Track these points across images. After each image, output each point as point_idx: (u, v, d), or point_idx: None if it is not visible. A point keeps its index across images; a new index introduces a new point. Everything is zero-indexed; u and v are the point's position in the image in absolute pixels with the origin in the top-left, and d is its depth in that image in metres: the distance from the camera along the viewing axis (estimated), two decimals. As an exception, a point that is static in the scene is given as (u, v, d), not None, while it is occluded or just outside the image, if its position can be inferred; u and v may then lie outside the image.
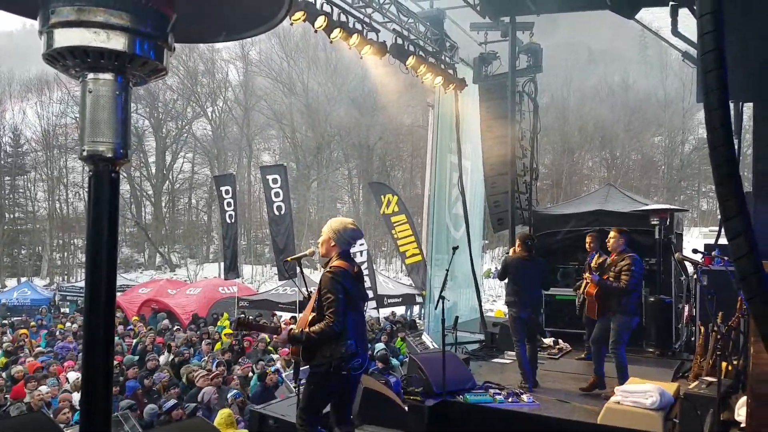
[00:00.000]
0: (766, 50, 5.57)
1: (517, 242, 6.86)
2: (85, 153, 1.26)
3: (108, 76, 1.27)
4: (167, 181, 41.09)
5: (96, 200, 1.27)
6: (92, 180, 1.28)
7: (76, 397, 7.52)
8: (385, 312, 17.48)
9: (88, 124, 1.26)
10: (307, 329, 3.62)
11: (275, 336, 4.10)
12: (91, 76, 1.26)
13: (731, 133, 1.27)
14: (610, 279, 6.05)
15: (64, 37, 1.21)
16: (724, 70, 1.26)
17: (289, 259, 4.45)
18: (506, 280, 6.76)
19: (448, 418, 1.79)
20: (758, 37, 5.37)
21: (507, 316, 7.12)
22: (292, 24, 7.08)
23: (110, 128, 1.26)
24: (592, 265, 6.65)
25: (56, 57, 1.25)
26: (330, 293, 3.58)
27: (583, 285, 6.40)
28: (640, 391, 4.47)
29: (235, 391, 7.99)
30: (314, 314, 3.68)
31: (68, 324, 16.19)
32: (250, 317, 4.56)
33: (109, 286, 1.25)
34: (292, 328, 3.73)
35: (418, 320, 16.77)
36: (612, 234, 6.25)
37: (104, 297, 1.24)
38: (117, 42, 1.23)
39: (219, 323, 15.46)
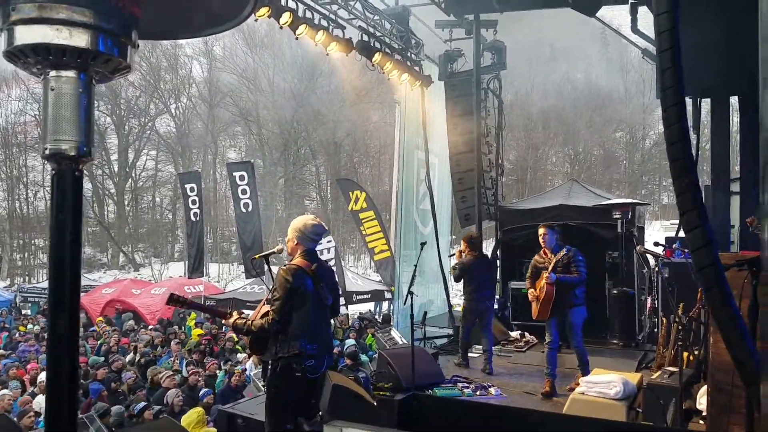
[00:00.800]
0: (724, 47, 5.76)
1: (464, 244, 7.38)
2: (47, 151, 1.24)
3: (71, 73, 1.25)
4: (130, 179, 40.16)
5: (59, 199, 1.24)
6: (55, 178, 1.26)
7: (39, 400, 7.32)
8: (354, 309, 17.48)
9: (51, 122, 1.24)
10: (251, 320, 3.68)
11: (224, 320, 4.11)
12: (53, 73, 1.24)
13: (687, 128, 1.32)
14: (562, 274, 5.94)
15: (26, 35, 1.19)
16: (679, 67, 1.30)
17: (256, 256, 4.41)
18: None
19: (417, 411, 1.82)
20: (717, 34, 5.54)
21: (463, 304, 7.46)
22: (257, 20, 7.01)
23: (73, 126, 1.24)
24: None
25: (17, 54, 1.22)
26: (276, 291, 3.63)
27: (541, 285, 6.01)
28: (604, 382, 4.60)
29: (205, 389, 7.91)
30: (267, 309, 3.72)
31: (30, 326, 15.73)
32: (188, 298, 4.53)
33: (73, 285, 1.23)
34: (237, 319, 3.76)
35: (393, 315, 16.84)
36: (542, 231, 6.16)
37: (69, 296, 1.22)
38: (80, 39, 1.21)
39: (190, 322, 15.23)
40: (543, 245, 6.17)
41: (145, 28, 1.38)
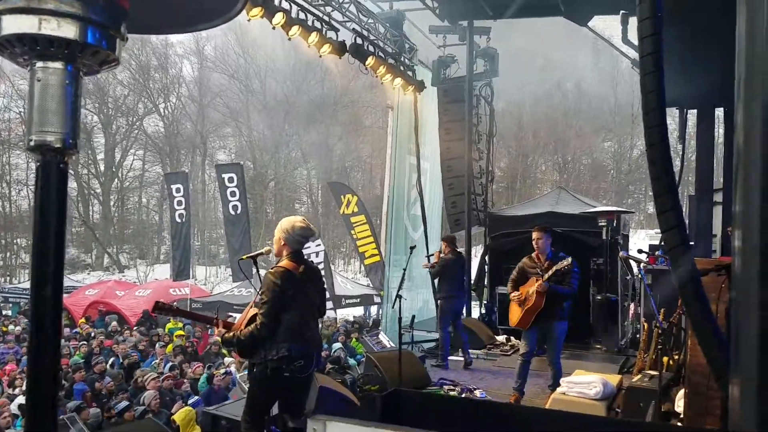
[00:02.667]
0: (710, 59, 5.83)
1: (444, 244, 7.66)
2: (32, 143, 1.23)
3: (58, 64, 1.24)
4: (116, 179, 39.81)
5: (43, 192, 1.23)
6: (39, 171, 1.25)
7: (19, 401, 7.24)
8: (343, 313, 17.44)
9: (36, 113, 1.23)
10: (239, 331, 3.64)
11: (215, 329, 4.07)
12: (40, 64, 1.23)
13: (667, 131, 1.35)
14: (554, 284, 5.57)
15: (13, 24, 1.18)
16: (661, 72, 1.33)
17: (244, 257, 4.40)
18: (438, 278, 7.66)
19: (400, 407, 1.83)
20: (704, 46, 5.61)
21: (440, 306, 7.72)
22: (249, 20, 7.01)
23: (59, 118, 1.23)
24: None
25: (4, 44, 1.21)
26: (264, 294, 3.59)
27: (529, 292, 5.65)
28: (585, 382, 4.65)
29: (196, 398, 7.87)
30: (255, 312, 3.68)
31: (11, 327, 15.53)
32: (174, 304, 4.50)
33: (56, 281, 1.21)
34: (225, 332, 3.73)
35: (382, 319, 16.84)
36: (536, 235, 5.81)
37: (52, 292, 1.21)
38: (68, 30, 1.20)
39: (171, 325, 15.11)
40: (537, 249, 5.82)
41: (135, 22, 1.38)
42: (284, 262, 3.72)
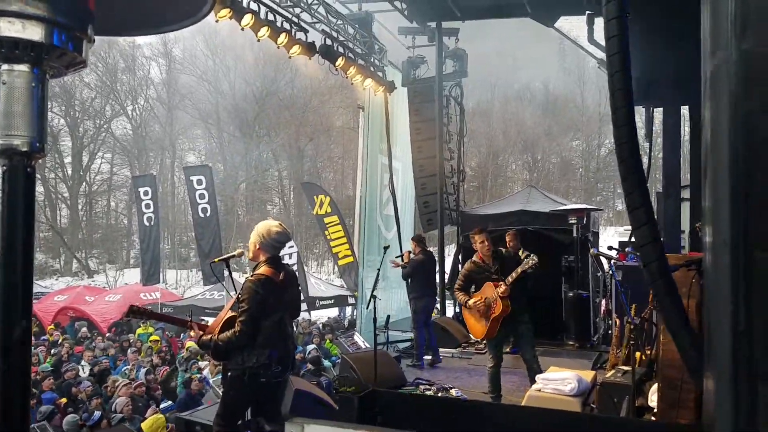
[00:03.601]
0: (676, 57, 5.98)
1: (414, 244, 7.79)
2: (-2, 147, 1.20)
3: (23, 67, 1.22)
4: (84, 183, 38.94)
5: (10, 196, 1.21)
6: (6, 175, 1.22)
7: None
8: (317, 314, 17.36)
9: (2, 117, 1.20)
10: (216, 335, 3.60)
11: (190, 333, 4.02)
12: (5, 67, 1.20)
13: (635, 129, 1.38)
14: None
15: (-24, 26, 1.15)
16: (628, 70, 1.36)
17: (216, 260, 4.35)
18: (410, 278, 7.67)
19: (377, 407, 1.83)
20: (670, 45, 5.76)
21: (413, 305, 7.79)
22: (217, 21, 6.93)
23: (25, 121, 1.21)
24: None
25: (-33, 46, 1.18)
26: (244, 302, 3.55)
27: (491, 298, 5.24)
28: (559, 379, 4.72)
29: (169, 403, 7.76)
30: (231, 315, 3.65)
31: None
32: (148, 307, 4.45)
33: (25, 286, 1.19)
34: (202, 335, 3.70)
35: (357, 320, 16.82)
36: (481, 237, 5.49)
37: (21, 297, 1.18)
38: (33, 32, 1.18)
39: (141, 330, 14.84)
40: (481, 252, 5.44)
41: (102, 23, 1.36)
42: (263, 269, 3.68)
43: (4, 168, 1.23)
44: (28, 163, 1.23)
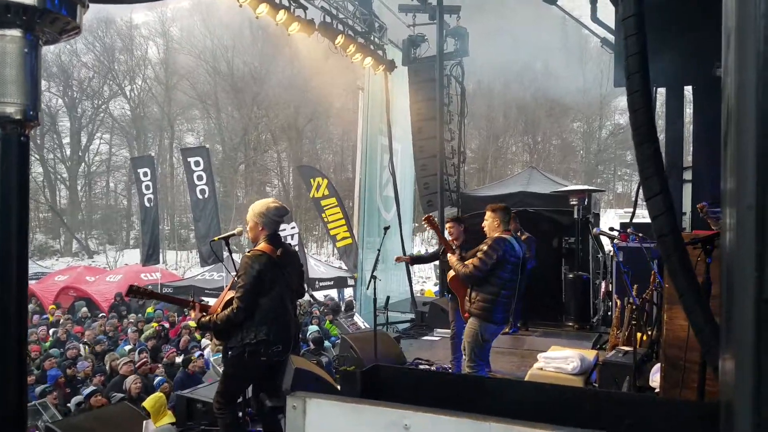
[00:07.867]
0: (679, 37, 5.89)
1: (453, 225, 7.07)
2: (-10, 114, 1.16)
3: (16, 32, 1.17)
4: (83, 164, 38.83)
5: (4, 165, 1.17)
6: (-1, 144, 1.18)
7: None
8: (317, 295, 17.44)
9: (-6, 83, 1.16)
10: (216, 314, 3.59)
11: (191, 313, 4.02)
12: (-4, 30, 1.16)
13: (653, 112, 1.32)
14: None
15: (-35, -13, 1.11)
16: (645, 52, 1.31)
17: (215, 239, 4.33)
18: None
19: (380, 381, 1.81)
20: (674, 24, 5.66)
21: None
22: (216, -2, 6.82)
23: (18, 88, 1.16)
24: None
25: (-45, 9, 1.13)
26: (241, 278, 3.54)
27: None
28: (562, 357, 4.72)
29: (159, 378, 7.77)
30: (232, 295, 3.63)
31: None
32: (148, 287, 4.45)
33: (20, 255, 1.16)
34: (202, 316, 3.69)
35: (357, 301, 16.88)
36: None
37: (15, 268, 1.15)
38: (25, -6, 1.13)
39: (148, 310, 14.89)
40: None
41: (97, -12, 1.31)
42: (261, 245, 3.66)
43: (-3, 136, 1.19)
44: (22, 131, 1.19)
